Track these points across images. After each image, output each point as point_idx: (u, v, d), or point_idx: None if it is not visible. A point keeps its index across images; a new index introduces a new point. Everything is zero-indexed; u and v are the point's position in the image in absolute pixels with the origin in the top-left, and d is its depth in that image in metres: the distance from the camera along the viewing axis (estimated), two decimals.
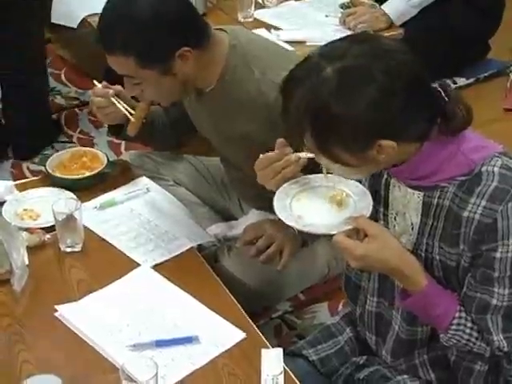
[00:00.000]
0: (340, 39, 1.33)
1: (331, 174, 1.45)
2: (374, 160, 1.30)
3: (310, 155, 1.48)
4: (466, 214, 1.30)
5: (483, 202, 1.28)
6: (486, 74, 3.71)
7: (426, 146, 1.32)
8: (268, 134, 1.81)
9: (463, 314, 1.35)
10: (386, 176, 1.44)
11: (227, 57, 1.82)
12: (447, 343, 1.39)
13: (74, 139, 3.19)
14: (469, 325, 1.35)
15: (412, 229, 1.40)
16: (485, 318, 1.34)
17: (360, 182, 1.50)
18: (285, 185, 1.47)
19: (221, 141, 1.99)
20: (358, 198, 1.42)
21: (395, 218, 1.43)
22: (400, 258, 1.35)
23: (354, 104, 1.24)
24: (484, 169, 1.30)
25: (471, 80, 3.63)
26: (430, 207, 1.36)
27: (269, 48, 1.91)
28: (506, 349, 1.35)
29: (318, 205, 1.43)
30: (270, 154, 1.56)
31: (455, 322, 1.35)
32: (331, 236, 1.35)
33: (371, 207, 1.39)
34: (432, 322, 1.41)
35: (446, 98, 1.31)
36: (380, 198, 1.46)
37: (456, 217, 1.32)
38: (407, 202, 1.40)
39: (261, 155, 1.57)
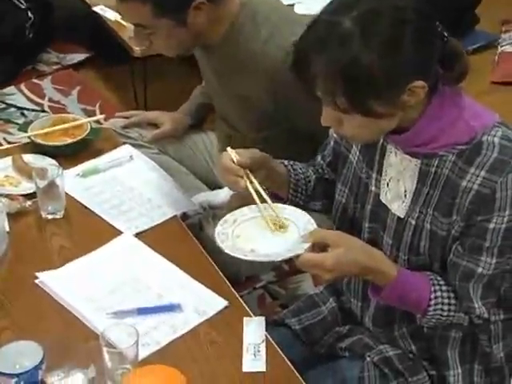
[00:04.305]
0: None
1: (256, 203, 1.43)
2: (405, 106, 1.27)
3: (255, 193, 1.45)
4: (464, 183, 1.29)
5: (483, 173, 1.27)
6: (474, 47, 3.70)
7: (431, 107, 1.31)
8: (267, 100, 1.81)
9: (438, 294, 1.35)
10: (381, 141, 1.42)
11: (236, 14, 1.82)
12: (428, 324, 1.39)
13: (46, 108, 3.13)
14: (446, 301, 1.35)
15: (405, 196, 1.39)
16: (467, 285, 1.34)
17: (351, 147, 1.48)
18: (218, 227, 1.43)
19: (220, 96, 2.00)
20: (293, 217, 1.41)
21: (388, 185, 1.42)
22: (368, 255, 1.34)
23: (380, 47, 1.21)
24: (485, 138, 1.29)
25: None
26: (427, 175, 1.35)
27: (280, 10, 1.89)
28: (485, 315, 1.35)
29: (260, 235, 1.41)
30: (233, 156, 1.48)
31: (432, 302, 1.35)
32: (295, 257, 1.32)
33: (312, 219, 1.38)
34: (409, 308, 1.40)
35: (447, 36, 1.29)
36: (374, 164, 1.44)
37: (453, 186, 1.31)
38: (403, 168, 1.38)
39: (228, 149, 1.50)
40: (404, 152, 1.37)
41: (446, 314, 1.36)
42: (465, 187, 1.29)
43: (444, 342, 1.46)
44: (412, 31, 1.22)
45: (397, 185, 1.40)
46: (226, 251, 1.36)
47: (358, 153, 1.48)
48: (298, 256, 1.31)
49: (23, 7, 3.28)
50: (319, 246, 1.32)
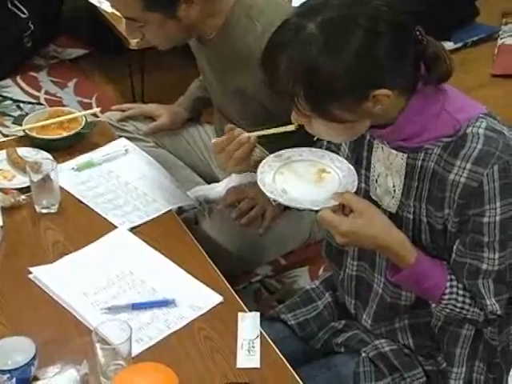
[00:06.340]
0: None
1: (315, 148, 1.42)
2: (369, 113, 1.26)
3: (261, 133, 1.51)
4: (451, 177, 1.28)
5: (468, 165, 1.26)
6: (474, 39, 3.68)
7: (411, 104, 1.29)
8: (263, 91, 1.80)
9: (454, 283, 1.34)
10: (368, 137, 1.41)
11: (232, 6, 1.81)
12: (440, 313, 1.39)
13: (42, 100, 3.11)
14: (461, 292, 1.34)
15: (395, 191, 1.38)
16: (476, 283, 1.33)
17: (340, 145, 1.48)
18: (268, 158, 1.44)
19: (217, 90, 2.00)
20: (342, 173, 1.39)
21: (377, 180, 1.41)
22: (388, 234, 1.32)
23: (345, 55, 1.20)
24: (469, 130, 1.28)
25: (459, 45, 3.60)
26: (413, 169, 1.34)
27: (276, 3, 1.88)
28: (499, 312, 1.34)
29: (302, 179, 1.39)
30: (220, 139, 1.56)
31: (447, 291, 1.34)
32: (316, 211, 1.32)
33: (356, 182, 1.36)
34: (424, 295, 1.39)
35: (425, 41, 1.27)
36: (362, 160, 1.43)
37: (441, 180, 1.30)
38: (390, 163, 1.37)
39: (213, 140, 1.59)
40: (390, 147, 1.36)
41: (459, 305, 1.34)
42: (453, 180, 1.28)
43: (455, 338, 1.44)
44: (381, 42, 1.20)
45: (385, 180, 1.39)
46: (258, 180, 1.37)
47: (346, 150, 1.47)
48: (317, 211, 1.31)
49: (24, 16, 3.24)
50: (346, 209, 1.31)
